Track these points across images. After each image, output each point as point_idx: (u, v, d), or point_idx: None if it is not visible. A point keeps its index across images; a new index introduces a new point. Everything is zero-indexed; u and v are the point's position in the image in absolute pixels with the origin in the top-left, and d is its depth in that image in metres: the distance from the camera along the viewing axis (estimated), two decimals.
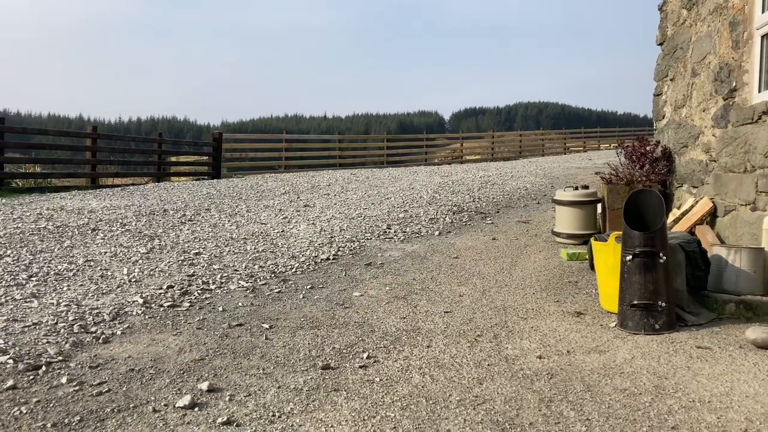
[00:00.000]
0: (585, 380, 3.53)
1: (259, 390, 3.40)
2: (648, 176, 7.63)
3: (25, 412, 3.07)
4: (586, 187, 8.13)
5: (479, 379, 3.56)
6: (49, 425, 2.94)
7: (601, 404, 3.22)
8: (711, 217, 6.26)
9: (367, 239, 7.85)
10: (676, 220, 6.59)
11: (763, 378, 3.52)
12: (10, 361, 3.65)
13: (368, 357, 3.91)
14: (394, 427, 2.97)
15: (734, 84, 5.96)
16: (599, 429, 2.95)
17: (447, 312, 4.88)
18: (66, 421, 3.00)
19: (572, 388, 3.44)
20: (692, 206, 6.57)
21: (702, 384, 3.47)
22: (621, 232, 4.64)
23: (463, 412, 3.14)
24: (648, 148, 7.97)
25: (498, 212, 10.18)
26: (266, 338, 4.25)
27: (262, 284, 5.67)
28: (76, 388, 3.37)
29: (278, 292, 5.44)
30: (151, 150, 18.21)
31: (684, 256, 4.77)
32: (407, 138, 32.43)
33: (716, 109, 6.35)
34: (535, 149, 35.29)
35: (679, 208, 7.08)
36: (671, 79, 7.90)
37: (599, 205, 7.89)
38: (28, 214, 9.19)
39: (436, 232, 8.40)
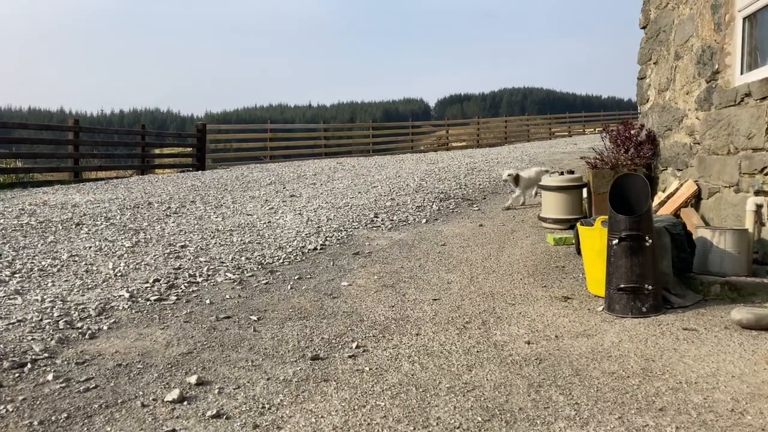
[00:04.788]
0: (573, 364, 3.55)
1: (248, 382, 3.38)
2: (633, 160, 7.66)
3: (11, 410, 3.04)
4: (571, 172, 8.16)
5: (468, 366, 3.56)
6: (35, 423, 2.91)
7: (589, 388, 3.24)
8: (696, 200, 6.30)
9: (355, 228, 7.84)
10: (662, 203, 6.63)
11: (748, 358, 3.56)
12: None
13: (357, 346, 3.90)
14: (385, 416, 2.97)
15: (717, 66, 5.98)
16: (588, 413, 2.96)
17: (435, 300, 4.88)
18: (53, 418, 2.97)
19: (561, 372, 3.45)
20: (677, 189, 6.60)
21: (689, 365, 3.50)
22: (607, 217, 4.66)
23: (453, 399, 3.14)
24: (633, 132, 8.00)
25: (485, 199, 10.19)
26: (254, 330, 4.23)
27: (250, 276, 5.64)
28: (63, 384, 3.34)
29: (266, 283, 5.41)
30: (134, 142, 18.04)
31: (670, 239, 4.80)
32: (393, 126, 32.33)
33: (699, 91, 6.38)
34: (520, 135, 35.34)
35: (664, 191, 7.12)
36: (655, 63, 7.92)
37: (585, 190, 7.92)
38: (10, 209, 9.08)
39: (423, 220, 8.40)
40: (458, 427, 2.85)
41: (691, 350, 3.73)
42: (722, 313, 4.35)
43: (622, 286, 4.41)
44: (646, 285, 4.39)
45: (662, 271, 4.66)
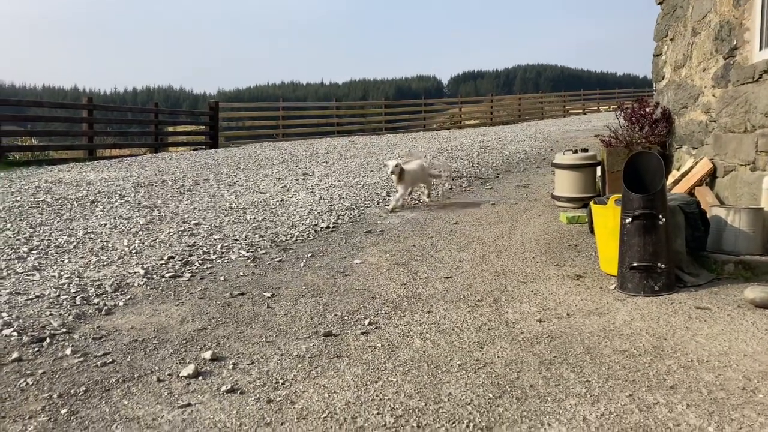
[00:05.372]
0: (585, 342, 3.57)
1: (262, 358, 3.43)
2: (647, 138, 7.59)
3: (31, 383, 3.11)
4: (585, 150, 8.10)
5: (480, 343, 3.59)
6: (55, 396, 2.98)
7: (600, 366, 3.25)
8: (710, 178, 6.25)
9: (367, 207, 7.85)
10: (676, 182, 6.58)
11: (761, 337, 3.56)
12: (15, 333, 3.67)
13: (369, 323, 3.94)
14: (396, 392, 3.01)
15: (735, 42, 5.88)
16: (599, 390, 2.98)
17: (447, 278, 4.90)
18: (72, 391, 3.03)
19: (572, 350, 3.47)
20: (691, 167, 6.55)
21: (700, 344, 3.50)
22: (620, 195, 4.64)
23: (464, 376, 3.17)
24: (647, 110, 7.91)
25: (497, 177, 10.15)
26: (268, 307, 4.28)
27: (263, 253, 5.69)
28: (81, 359, 3.40)
29: (279, 260, 5.45)
30: (147, 120, 18.09)
31: (683, 218, 4.78)
32: (405, 104, 32.13)
33: (716, 68, 6.29)
34: (534, 112, 35.04)
35: (678, 169, 7.06)
36: (671, 39, 7.80)
37: (599, 168, 7.87)
38: (26, 187, 9.17)
39: (436, 199, 8.39)
40: (469, 404, 2.88)
41: (704, 329, 3.73)
42: (736, 292, 4.34)
43: (635, 264, 4.40)
44: (659, 264, 4.38)
45: (675, 250, 4.64)
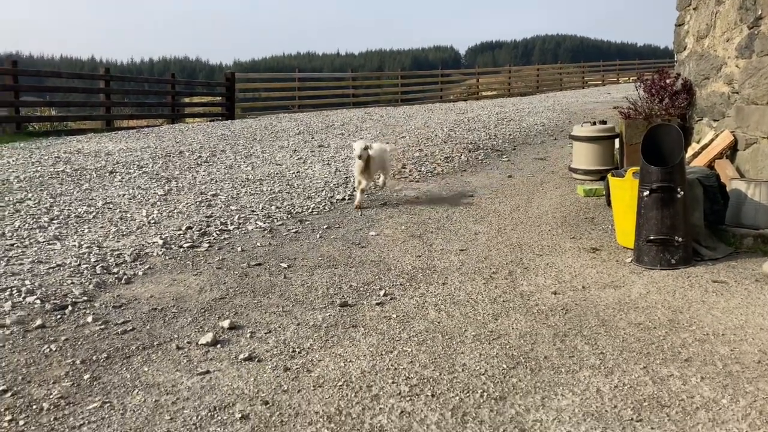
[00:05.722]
0: (600, 315, 3.57)
1: (279, 327, 3.48)
2: (667, 110, 7.47)
3: (54, 349, 3.18)
4: (603, 122, 8.01)
5: (494, 315, 3.61)
6: (78, 362, 3.05)
7: (615, 338, 3.26)
8: (731, 151, 6.16)
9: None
10: (695, 155, 6.50)
11: None
12: (38, 301, 3.76)
13: (385, 294, 3.97)
14: (411, 362, 3.05)
15: (760, 12, 5.74)
16: (613, 362, 3.00)
17: (462, 250, 4.91)
18: (94, 358, 3.10)
19: (587, 322, 3.48)
20: (712, 140, 6.45)
21: (717, 317, 3.49)
22: (638, 168, 4.60)
23: (479, 347, 3.20)
24: (668, 81, 7.78)
25: (514, 149, 10.08)
26: (285, 277, 4.32)
27: (279, 224, 5.73)
28: (102, 326, 3.47)
29: (295, 232, 5.49)
30: (164, 91, 18.12)
31: (702, 191, 4.73)
32: (422, 74, 31.83)
33: (740, 38, 6.15)
34: (552, 84, 34.58)
35: (698, 142, 6.97)
36: (694, 8, 7.63)
37: (617, 141, 7.78)
38: (46, 157, 9.27)
39: (452, 171, 8.37)
40: (483, 374, 2.91)
41: (720, 302, 3.72)
42: (754, 266, 4.31)
43: (652, 237, 4.38)
44: (676, 237, 4.36)
45: (693, 223, 4.60)
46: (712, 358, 3.01)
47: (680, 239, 4.36)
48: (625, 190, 4.79)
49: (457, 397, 2.70)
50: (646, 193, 4.41)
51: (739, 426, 2.44)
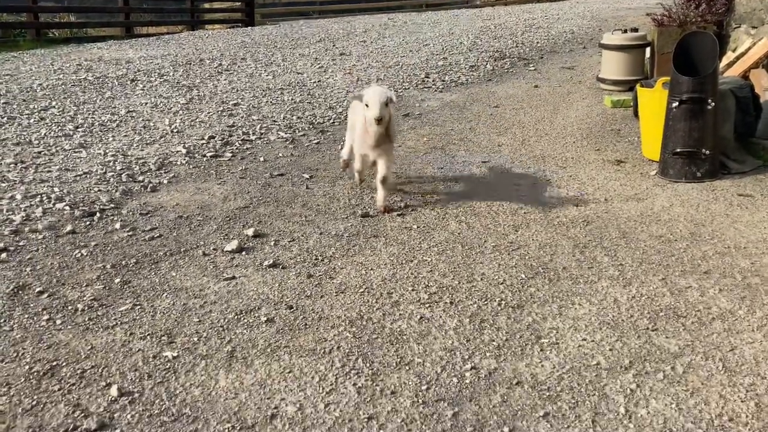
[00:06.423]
0: (621, 227, 3.57)
1: (302, 236, 3.54)
2: (703, 17, 7.15)
3: (85, 254, 3.29)
4: (635, 29, 7.69)
5: (515, 227, 3.63)
6: (108, 266, 3.16)
7: (635, 250, 3.28)
8: None
9: (405, 89, 7.72)
10: (730, 64, 6.26)
11: None
12: (67, 208, 3.85)
13: (406, 206, 3.99)
14: (431, 270, 3.10)
15: None
16: (632, 273, 3.02)
17: (484, 162, 4.88)
18: (123, 263, 3.21)
19: (607, 234, 3.49)
20: (749, 48, 6.19)
21: (739, 231, 3.48)
22: (669, 78, 4.46)
23: (498, 257, 3.24)
24: None
25: (541, 58, 9.80)
26: (307, 188, 4.36)
27: (301, 135, 5.71)
28: (130, 233, 3.56)
29: (317, 143, 5.48)
30: None
31: (734, 102, 4.59)
32: None
33: None
34: None
35: (734, 51, 6.69)
36: None
37: (648, 50, 7.50)
38: (67, 65, 9.23)
39: (477, 80, 8.19)
40: (502, 283, 2.96)
41: (744, 216, 3.69)
42: None
43: (678, 150, 4.30)
44: (704, 150, 4.27)
45: (722, 136, 4.50)
46: (731, 271, 3.02)
47: (708, 152, 4.28)
48: (654, 100, 4.67)
49: (475, 305, 2.77)
50: (675, 104, 4.30)
51: (753, 336, 2.48)
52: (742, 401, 2.11)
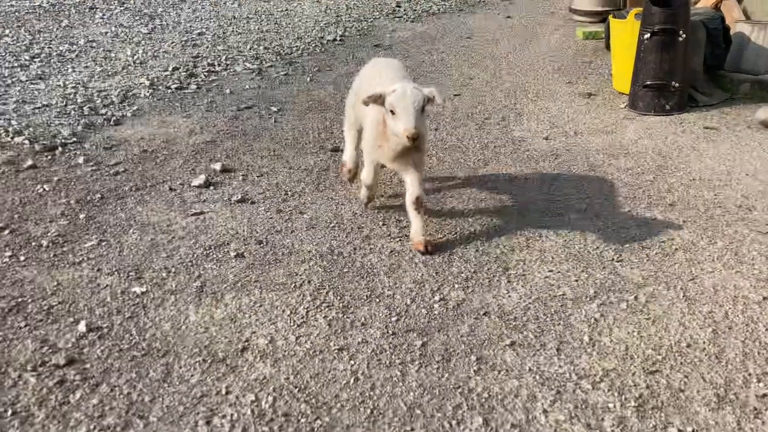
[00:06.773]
0: (589, 160, 3.60)
1: (271, 171, 3.50)
2: None
3: (48, 189, 3.21)
4: None
5: (485, 161, 3.63)
6: (72, 202, 3.09)
7: (603, 183, 3.31)
8: None
9: (376, 18, 7.53)
10: None
11: (765, 157, 3.57)
12: (26, 141, 3.72)
13: None
14: (401, 205, 3.10)
15: None
16: (599, 206, 3.06)
17: (456, 95, 4.83)
18: (88, 198, 3.14)
19: (576, 167, 3.51)
20: None
21: (705, 164, 3.53)
22: (641, 9, 4.41)
23: (467, 192, 3.25)
24: None
25: None
26: (275, 121, 4.27)
27: (269, 66, 5.56)
28: (94, 168, 3.48)
29: (285, 74, 5.35)
30: None
31: (705, 34, 4.58)
32: None
33: None
34: None
35: None
36: None
37: None
38: None
39: (449, 11, 8.02)
40: (471, 216, 2.98)
41: (710, 149, 3.73)
42: (748, 112, 4.27)
43: (649, 83, 4.30)
44: (673, 82, 4.28)
45: (692, 69, 4.50)
46: (695, 202, 3.08)
47: (677, 84, 4.29)
48: (626, 32, 4.63)
49: (445, 238, 2.79)
50: (647, 35, 4.27)
51: (713, 266, 2.55)
52: (700, 328, 2.18)
